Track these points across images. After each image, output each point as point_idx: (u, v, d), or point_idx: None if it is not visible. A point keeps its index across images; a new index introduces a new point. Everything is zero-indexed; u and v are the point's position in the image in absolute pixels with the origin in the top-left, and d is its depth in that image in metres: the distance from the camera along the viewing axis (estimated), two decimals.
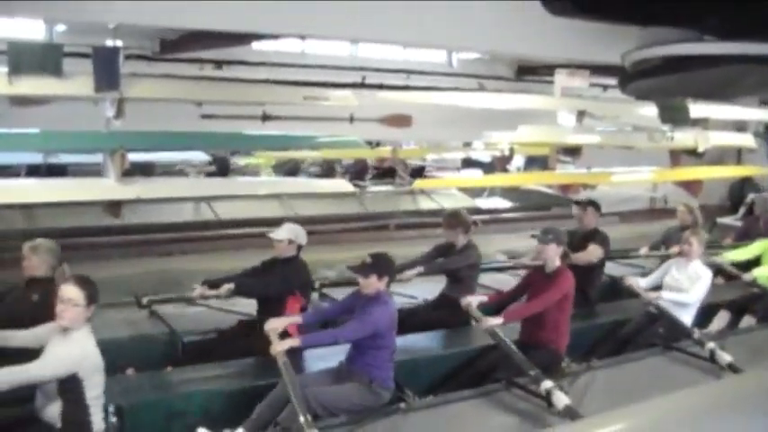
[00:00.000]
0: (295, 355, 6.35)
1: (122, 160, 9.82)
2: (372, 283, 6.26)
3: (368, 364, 6.16)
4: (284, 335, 6.30)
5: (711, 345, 7.16)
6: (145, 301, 8.01)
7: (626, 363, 7.37)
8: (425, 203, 16.79)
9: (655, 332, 8.02)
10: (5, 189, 10.00)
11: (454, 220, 8.66)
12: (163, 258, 11.96)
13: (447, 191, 17.90)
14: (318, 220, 13.91)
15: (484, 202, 17.96)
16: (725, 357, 6.99)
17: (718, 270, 9.67)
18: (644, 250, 10.66)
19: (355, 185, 15.69)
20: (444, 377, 7.18)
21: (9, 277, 8.46)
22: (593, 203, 9.55)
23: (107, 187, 9.88)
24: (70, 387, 5.06)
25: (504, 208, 18.13)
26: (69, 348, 5.11)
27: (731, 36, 4.33)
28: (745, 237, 11.60)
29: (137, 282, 9.49)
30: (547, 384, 6.07)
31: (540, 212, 17.88)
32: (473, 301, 7.48)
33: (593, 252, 9.01)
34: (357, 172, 20.14)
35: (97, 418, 5.24)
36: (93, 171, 14.07)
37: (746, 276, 9.54)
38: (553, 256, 7.42)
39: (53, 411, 5.13)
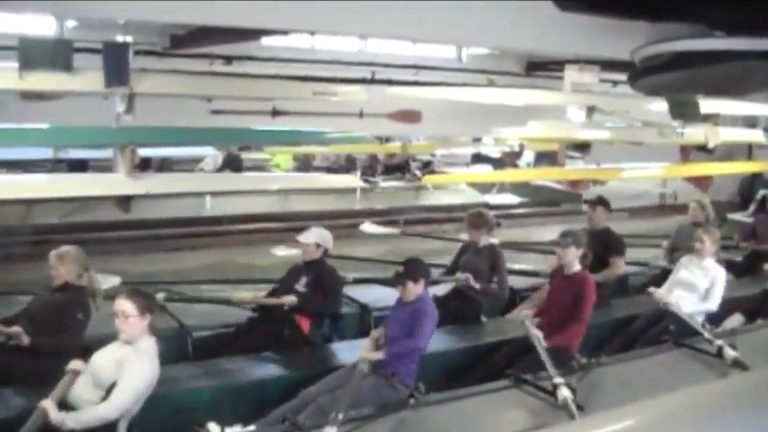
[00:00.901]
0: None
1: (132, 155, 9.82)
2: (411, 290, 6.42)
3: (396, 358, 6.18)
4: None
5: (720, 342, 7.12)
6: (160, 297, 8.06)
7: (636, 359, 7.34)
8: (435, 199, 16.79)
9: (665, 328, 7.97)
10: (16, 184, 10.02)
11: (479, 219, 8.71)
12: (172, 253, 12.00)
13: (456, 186, 17.91)
14: (330, 216, 13.94)
15: (493, 198, 17.94)
16: (731, 354, 6.95)
17: (729, 266, 9.61)
18: (665, 244, 10.61)
19: (365, 181, 15.71)
20: (455, 372, 7.15)
21: (21, 271, 8.53)
22: (603, 202, 9.52)
23: (117, 182, 9.88)
24: None
25: (514, 204, 18.12)
26: (143, 363, 5.22)
27: (741, 32, 4.33)
28: (753, 235, 11.49)
29: (146, 276, 9.52)
30: (557, 380, 6.05)
31: (550, 208, 17.88)
32: (529, 312, 7.46)
33: (618, 265, 9.10)
34: (369, 168, 20.13)
35: (122, 426, 5.27)
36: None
37: None
38: (573, 259, 7.48)
39: (90, 401, 5.16)
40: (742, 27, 4.28)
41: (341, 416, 5.23)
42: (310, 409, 5.77)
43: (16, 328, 6.05)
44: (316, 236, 7.62)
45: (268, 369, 6.81)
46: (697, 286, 8.24)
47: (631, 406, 5.10)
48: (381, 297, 8.39)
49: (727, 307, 8.71)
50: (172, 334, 7.54)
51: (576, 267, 7.49)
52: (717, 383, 6.50)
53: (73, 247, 6.63)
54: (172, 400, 6.18)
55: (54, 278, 6.46)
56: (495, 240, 8.79)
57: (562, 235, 7.64)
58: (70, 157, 16.22)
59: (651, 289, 8.46)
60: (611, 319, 8.61)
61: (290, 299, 7.36)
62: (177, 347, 7.29)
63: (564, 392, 5.88)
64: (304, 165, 20.46)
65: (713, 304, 8.20)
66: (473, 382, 6.66)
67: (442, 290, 8.65)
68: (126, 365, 5.18)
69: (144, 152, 13.81)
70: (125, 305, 5.26)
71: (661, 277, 9.10)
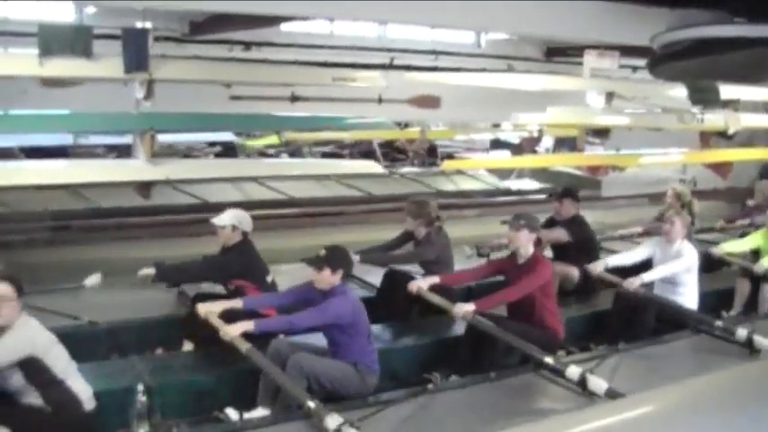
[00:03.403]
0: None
1: (152, 141, 9.85)
2: (326, 278, 6.17)
3: (349, 352, 6.15)
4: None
5: (744, 331, 7.05)
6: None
7: (653, 345, 7.33)
8: (453, 185, 16.77)
9: (682, 313, 7.91)
10: (36, 170, 10.07)
11: (417, 209, 8.34)
12: (192, 239, 12.03)
13: (475, 172, 17.90)
14: (350, 201, 13.96)
15: (512, 184, 17.92)
16: (765, 342, 6.90)
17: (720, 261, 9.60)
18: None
19: (384, 167, 15.71)
20: (474, 359, 7.16)
21: (37, 258, 8.60)
22: (570, 194, 9.49)
23: (137, 168, 9.92)
24: (34, 371, 5.17)
25: (533, 189, 18.08)
26: (15, 335, 5.19)
27: (762, 18, 4.31)
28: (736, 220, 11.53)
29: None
30: (573, 371, 6.00)
31: None
32: (423, 284, 7.24)
33: (554, 232, 9.01)
34: (364, 154, 20.05)
35: (79, 387, 5.30)
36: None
37: (757, 268, 9.09)
38: (525, 243, 7.17)
39: (37, 401, 5.23)
40: (763, 14, 4.26)
41: (313, 404, 5.22)
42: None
43: None
44: (231, 218, 7.36)
45: None
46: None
47: (655, 391, 5.12)
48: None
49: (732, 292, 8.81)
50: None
51: (530, 251, 7.20)
52: (740, 369, 6.51)
53: None
54: (192, 385, 6.24)
55: None
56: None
57: (515, 217, 7.30)
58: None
59: (595, 268, 8.31)
60: (624, 306, 8.56)
61: (146, 270, 7.26)
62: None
63: (600, 383, 5.82)
64: (294, 149, 20.36)
65: (667, 270, 8.04)
66: (493, 367, 6.68)
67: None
68: None
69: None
70: (4, 289, 5.22)
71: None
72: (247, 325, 5.88)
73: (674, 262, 8.08)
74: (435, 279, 7.36)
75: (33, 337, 5.24)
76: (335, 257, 6.22)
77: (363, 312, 6.31)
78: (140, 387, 5.55)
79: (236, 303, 6.38)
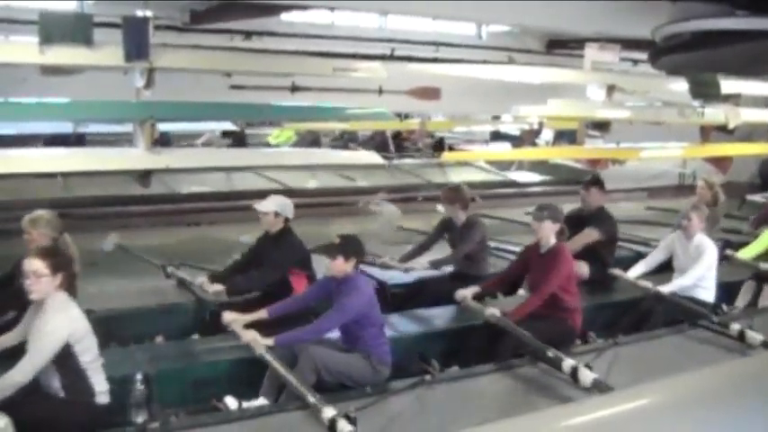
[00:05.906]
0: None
1: (152, 130, 9.83)
2: (339, 265, 6.25)
3: (362, 342, 6.21)
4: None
5: (737, 325, 7.10)
6: (173, 270, 8.09)
7: (652, 339, 7.34)
8: (453, 176, 16.76)
9: (680, 307, 7.93)
10: (36, 158, 10.06)
11: (453, 195, 8.66)
12: (191, 228, 12.04)
13: (475, 164, 17.91)
14: (346, 192, 13.95)
15: (512, 176, 17.92)
16: (756, 336, 6.93)
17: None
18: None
19: (383, 157, 15.70)
20: (469, 350, 7.17)
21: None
22: (598, 182, 9.42)
23: (136, 157, 9.90)
24: (62, 355, 5.12)
25: (532, 182, 18.09)
26: (54, 320, 5.15)
27: (763, 11, 4.30)
28: (764, 221, 11.49)
29: (165, 251, 9.56)
30: (570, 363, 6.04)
31: (568, 187, 17.82)
32: (467, 293, 7.47)
33: (588, 235, 8.91)
34: (378, 145, 20.08)
35: (98, 380, 5.28)
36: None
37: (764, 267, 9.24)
38: (548, 233, 7.32)
39: (55, 383, 5.20)
40: (764, 6, 4.25)
41: (316, 397, 5.32)
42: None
43: None
44: (274, 204, 7.46)
45: None
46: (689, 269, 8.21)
47: (651, 384, 5.12)
48: (398, 274, 8.48)
49: (740, 284, 8.78)
50: (190, 307, 7.61)
51: (552, 242, 7.34)
52: (736, 363, 6.51)
53: (46, 211, 6.66)
54: (191, 374, 6.24)
55: (26, 243, 6.47)
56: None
57: (538, 208, 7.49)
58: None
59: (616, 272, 8.56)
60: (625, 297, 8.58)
61: (215, 287, 7.31)
62: (195, 321, 7.35)
63: (588, 374, 5.87)
64: (308, 140, 20.41)
65: (689, 279, 8.10)
66: (489, 359, 6.69)
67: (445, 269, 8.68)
68: (34, 326, 5.20)
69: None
70: (35, 264, 5.19)
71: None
72: (269, 341, 6.03)
73: (699, 264, 8.13)
74: (476, 289, 7.58)
75: (71, 321, 5.21)
76: (349, 246, 6.33)
77: (377, 304, 6.38)
78: (139, 376, 5.57)
79: (262, 314, 6.49)
